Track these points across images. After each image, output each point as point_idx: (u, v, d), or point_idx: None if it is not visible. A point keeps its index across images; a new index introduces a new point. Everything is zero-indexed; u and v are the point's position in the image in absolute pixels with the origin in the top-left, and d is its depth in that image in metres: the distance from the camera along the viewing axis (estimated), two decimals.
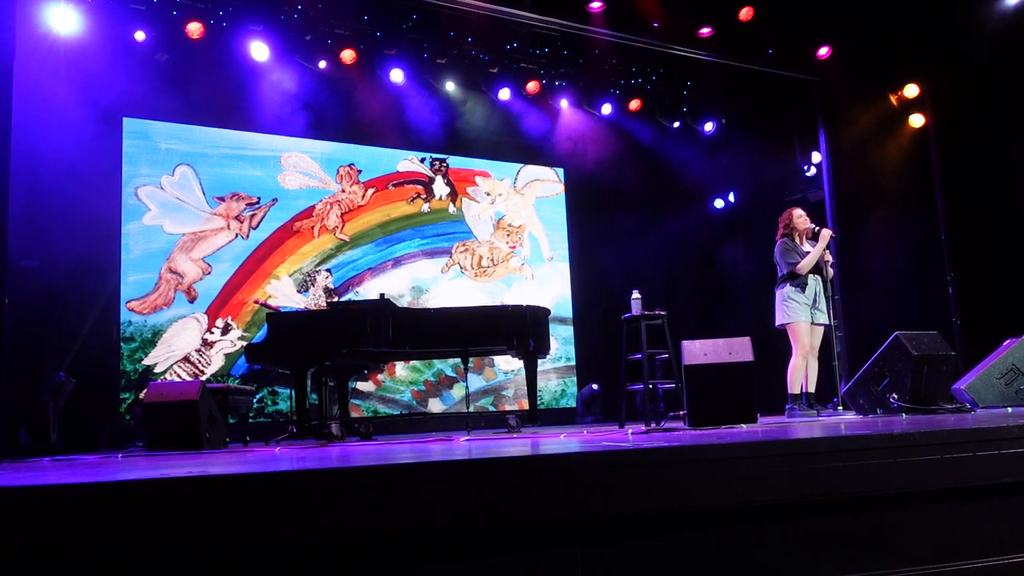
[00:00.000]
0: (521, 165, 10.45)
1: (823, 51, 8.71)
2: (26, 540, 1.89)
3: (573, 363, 10.29)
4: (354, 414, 8.27)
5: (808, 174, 9.76)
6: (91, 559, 1.92)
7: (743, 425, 4.68)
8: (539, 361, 7.02)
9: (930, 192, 8.19)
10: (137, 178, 8.17)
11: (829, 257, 6.58)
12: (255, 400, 7.96)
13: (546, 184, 10.61)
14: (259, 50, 8.01)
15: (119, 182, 8.04)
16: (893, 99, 8.76)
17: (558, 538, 2.23)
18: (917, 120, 8.56)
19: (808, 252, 6.46)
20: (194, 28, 7.70)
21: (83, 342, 7.44)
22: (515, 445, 3.56)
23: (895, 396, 5.55)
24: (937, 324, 6.47)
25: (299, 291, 8.83)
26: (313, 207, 9.08)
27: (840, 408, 6.48)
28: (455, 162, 10.02)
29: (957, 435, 2.63)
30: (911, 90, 8.58)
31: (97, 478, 2.17)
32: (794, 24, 8.41)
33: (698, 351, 5.02)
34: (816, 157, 9.47)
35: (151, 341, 7.98)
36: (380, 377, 9.08)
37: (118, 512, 1.94)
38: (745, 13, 8.15)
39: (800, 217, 6.63)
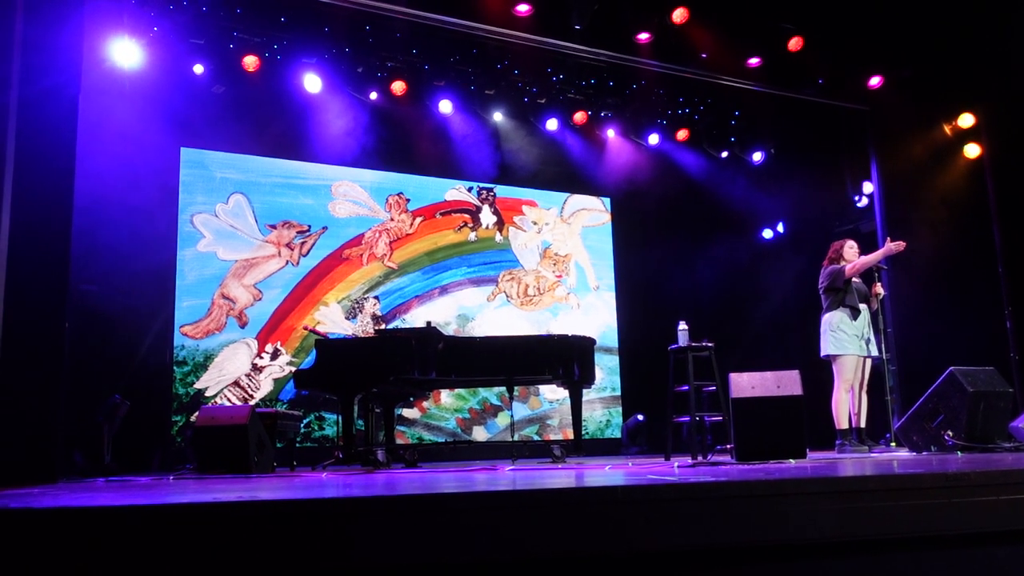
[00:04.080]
0: (568, 194, 10.48)
1: (874, 80, 8.60)
2: (80, 559, 1.93)
3: (619, 393, 10.22)
4: (399, 441, 8.31)
5: (859, 205, 9.62)
6: None
7: (792, 460, 4.61)
8: (584, 391, 7.01)
9: (987, 223, 8.01)
10: (193, 206, 8.39)
11: (881, 291, 6.47)
12: (302, 425, 8.04)
13: (593, 213, 10.62)
14: (312, 82, 8.20)
15: (176, 210, 8.26)
16: (947, 129, 8.61)
17: (602, 571, 2.21)
18: (972, 150, 8.40)
19: (856, 283, 6.35)
20: (250, 61, 7.92)
21: (138, 365, 7.62)
22: (560, 476, 3.55)
23: (950, 433, 5.42)
24: (994, 359, 6.31)
25: (347, 318, 8.94)
26: (362, 235, 9.21)
27: (892, 444, 6.33)
28: (502, 191, 10.10)
29: (1015, 475, 2.56)
30: (966, 120, 8.43)
31: (151, 500, 2.23)
32: (844, 54, 8.34)
33: (746, 384, 4.97)
34: (868, 187, 9.34)
35: (203, 365, 8.14)
36: (425, 404, 9.11)
37: (170, 535, 1.98)
38: (794, 43, 8.11)
39: (852, 249, 6.55)
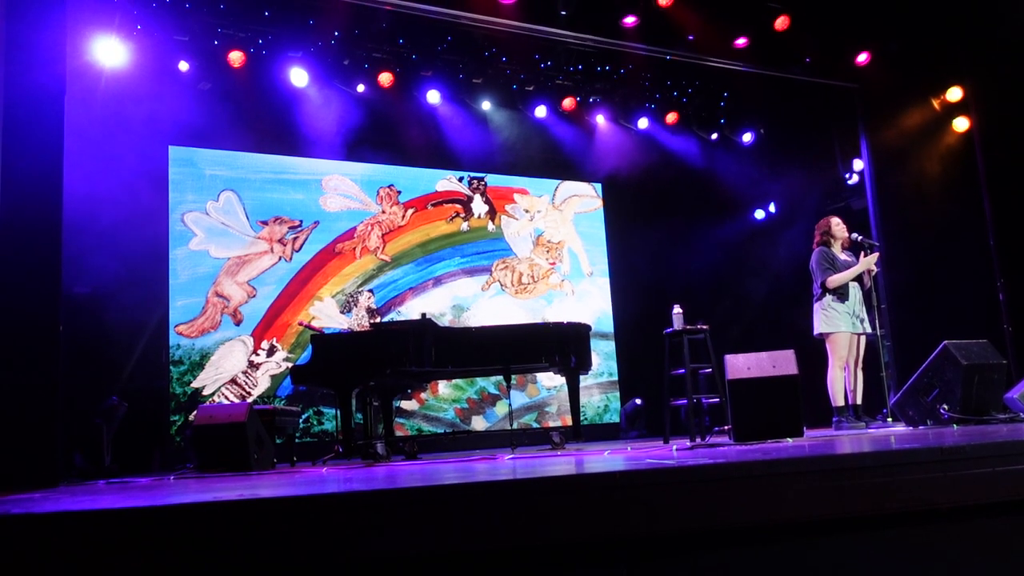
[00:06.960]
0: (559, 181, 10.48)
1: (862, 57, 8.60)
2: (84, 564, 1.94)
3: (616, 378, 10.25)
4: (398, 433, 8.33)
5: (850, 182, 9.64)
6: None
7: (789, 439, 4.63)
8: (582, 377, 7.02)
9: (977, 196, 8.03)
10: (183, 204, 8.36)
11: (874, 268, 6.48)
12: (301, 420, 8.05)
13: (584, 200, 10.62)
14: (298, 76, 8.17)
15: (166, 209, 8.23)
16: (936, 103, 8.62)
17: (604, 557, 2.22)
18: (961, 124, 8.41)
19: (845, 260, 6.39)
20: (235, 57, 7.89)
21: (134, 366, 7.61)
22: (560, 463, 3.56)
23: (945, 407, 5.45)
24: (988, 332, 6.33)
25: (342, 312, 8.93)
26: (354, 228, 9.20)
27: (889, 420, 6.36)
28: (493, 180, 10.08)
29: (1010, 447, 2.58)
30: (954, 93, 8.44)
31: (152, 502, 2.23)
32: (831, 31, 8.33)
33: (741, 365, 4.98)
34: (858, 164, 9.35)
35: (199, 364, 8.14)
36: (423, 396, 9.13)
37: (173, 535, 1.98)
38: (781, 22, 8.09)
39: (838, 225, 6.57)
